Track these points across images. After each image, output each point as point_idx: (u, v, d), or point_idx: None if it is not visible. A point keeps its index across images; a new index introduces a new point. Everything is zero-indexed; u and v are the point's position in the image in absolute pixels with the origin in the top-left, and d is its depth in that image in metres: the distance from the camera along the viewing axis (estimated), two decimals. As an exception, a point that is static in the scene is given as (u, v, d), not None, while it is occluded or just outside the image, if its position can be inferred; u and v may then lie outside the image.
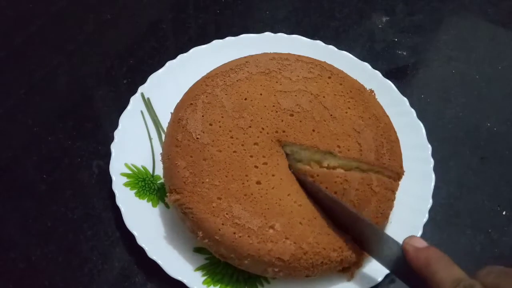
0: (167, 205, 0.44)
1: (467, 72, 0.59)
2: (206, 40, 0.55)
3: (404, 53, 0.60)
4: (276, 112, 0.44)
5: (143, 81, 0.51)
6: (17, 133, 0.51)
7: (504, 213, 0.47)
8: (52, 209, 0.46)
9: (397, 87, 0.52)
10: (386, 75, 0.52)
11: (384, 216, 0.41)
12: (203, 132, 0.42)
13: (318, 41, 0.55)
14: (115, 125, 0.47)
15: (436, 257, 0.33)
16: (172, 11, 0.63)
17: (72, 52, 0.58)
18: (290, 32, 0.56)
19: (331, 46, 0.54)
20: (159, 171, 0.44)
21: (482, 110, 0.55)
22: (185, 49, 0.53)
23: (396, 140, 0.45)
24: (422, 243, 0.35)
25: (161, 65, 0.52)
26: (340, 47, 0.55)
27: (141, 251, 0.41)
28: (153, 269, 0.40)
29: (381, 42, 0.61)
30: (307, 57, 0.49)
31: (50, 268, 0.43)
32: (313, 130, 0.43)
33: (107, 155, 0.48)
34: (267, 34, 0.55)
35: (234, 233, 0.38)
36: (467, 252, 0.45)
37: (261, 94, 0.45)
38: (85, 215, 0.46)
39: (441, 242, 0.45)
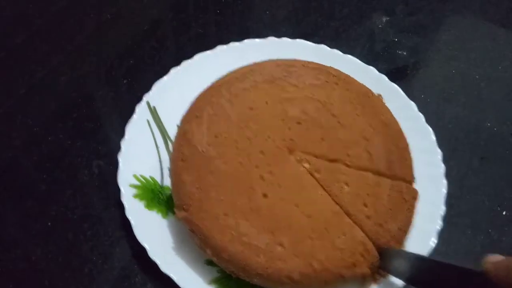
0: None
1: (467, 72, 0.59)
2: (206, 40, 0.55)
3: (404, 53, 0.60)
4: (283, 120, 0.43)
5: (143, 81, 0.51)
6: (17, 133, 0.51)
7: (504, 213, 0.47)
8: (52, 209, 0.46)
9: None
10: (387, 75, 0.52)
11: (410, 225, 0.41)
12: (209, 145, 0.41)
13: (322, 45, 0.54)
14: (115, 125, 0.47)
15: None
16: (172, 11, 0.63)
17: (72, 52, 0.58)
18: (290, 32, 0.56)
19: (336, 50, 0.54)
20: (168, 181, 0.43)
21: (482, 110, 0.55)
22: (185, 49, 0.54)
23: (406, 147, 0.44)
24: (500, 257, 0.32)
25: (161, 65, 0.52)
26: (340, 47, 0.55)
27: (141, 251, 0.41)
28: (153, 269, 0.40)
29: (381, 42, 0.61)
30: (313, 62, 0.48)
31: (50, 268, 0.43)
32: (322, 139, 0.42)
33: (107, 155, 0.49)
34: (271, 39, 0.55)
35: (242, 251, 0.37)
36: (467, 252, 0.45)
37: (267, 103, 0.44)
38: (85, 215, 0.46)
39: (441, 242, 0.45)
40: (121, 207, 0.46)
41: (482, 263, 0.33)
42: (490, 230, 0.46)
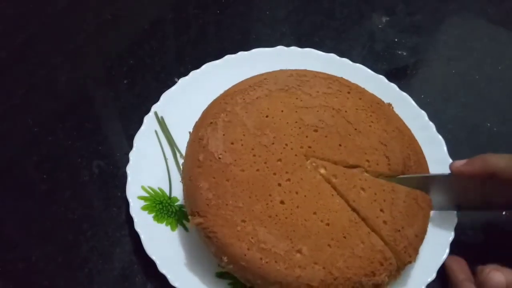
0: (185, 229, 0.43)
1: (467, 72, 0.59)
2: (206, 40, 0.54)
3: (404, 53, 0.60)
4: (300, 128, 0.43)
5: (143, 81, 0.50)
6: (17, 133, 0.51)
7: (504, 213, 0.47)
8: (52, 209, 0.46)
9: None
10: (386, 75, 0.52)
11: (425, 233, 0.40)
12: (225, 152, 0.40)
13: (332, 54, 0.54)
14: (115, 125, 0.47)
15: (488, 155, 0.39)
16: (172, 11, 0.63)
17: (72, 52, 0.58)
18: (290, 32, 0.56)
19: (345, 59, 0.53)
20: (176, 192, 0.43)
21: (482, 110, 0.55)
22: (185, 49, 0.53)
23: (421, 152, 0.44)
24: (463, 161, 0.40)
25: (161, 65, 0.52)
26: (340, 47, 0.55)
27: (141, 251, 0.41)
28: (153, 269, 0.40)
29: (381, 42, 0.61)
30: (324, 73, 0.48)
31: (50, 268, 0.43)
32: (340, 145, 0.42)
33: (107, 155, 0.49)
34: (280, 48, 0.54)
35: (261, 258, 0.36)
36: (467, 253, 0.45)
37: (282, 111, 0.44)
38: (85, 215, 0.46)
39: (441, 242, 0.45)
40: (121, 207, 0.46)
41: (452, 169, 0.41)
42: (490, 230, 0.46)
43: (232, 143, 0.41)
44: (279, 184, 0.40)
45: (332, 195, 0.40)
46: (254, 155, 0.41)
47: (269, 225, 0.38)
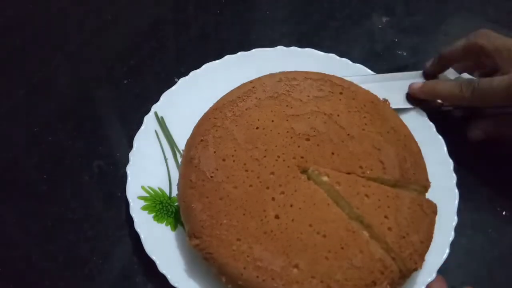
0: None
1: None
2: (206, 41, 0.54)
3: (404, 54, 0.60)
4: (291, 138, 0.42)
5: (143, 81, 0.50)
6: (18, 133, 0.51)
7: (504, 213, 0.47)
8: (52, 209, 0.46)
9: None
10: (386, 75, 0.52)
11: (431, 240, 0.40)
12: (217, 169, 0.40)
13: (332, 54, 0.54)
14: (115, 126, 0.47)
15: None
16: (172, 11, 0.63)
17: (72, 52, 0.58)
18: (290, 32, 0.56)
19: (345, 59, 0.53)
20: (176, 192, 0.43)
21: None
22: (185, 50, 0.53)
23: (418, 152, 0.44)
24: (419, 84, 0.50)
25: (161, 65, 0.52)
26: (340, 47, 0.55)
27: (141, 251, 0.41)
28: (153, 269, 0.40)
29: (381, 43, 0.61)
30: (316, 73, 0.48)
31: (50, 268, 0.43)
32: (332, 153, 0.42)
33: (107, 155, 0.49)
34: (280, 48, 0.54)
35: (257, 276, 0.36)
36: (467, 252, 0.45)
37: (272, 121, 0.43)
38: (85, 215, 0.46)
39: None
40: (121, 207, 0.46)
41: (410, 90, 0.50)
42: (490, 230, 0.46)
43: (224, 160, 0.41)
44: (273, 198, 0.39)
45: (328, 204, 0.39)
46: (247, 170, 0.40)
47: (264, 242, 0.37)
